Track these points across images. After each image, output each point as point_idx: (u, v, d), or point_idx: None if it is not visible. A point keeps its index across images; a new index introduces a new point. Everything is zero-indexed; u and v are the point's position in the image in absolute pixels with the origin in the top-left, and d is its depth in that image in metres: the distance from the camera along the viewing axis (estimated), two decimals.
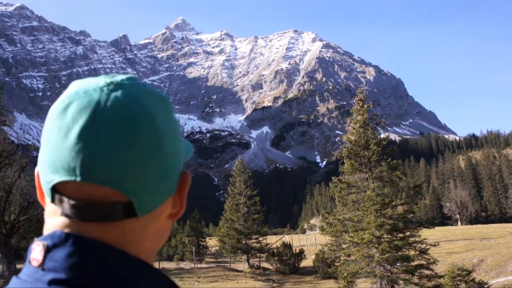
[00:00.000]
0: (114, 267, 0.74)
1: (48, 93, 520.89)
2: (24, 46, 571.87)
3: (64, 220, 0.78)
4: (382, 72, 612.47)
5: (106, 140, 0.73)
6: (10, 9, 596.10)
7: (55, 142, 0.75)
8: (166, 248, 49.61)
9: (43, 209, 0.80)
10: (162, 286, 0.81)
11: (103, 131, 0.73)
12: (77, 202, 0.76)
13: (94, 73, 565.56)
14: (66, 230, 0.76)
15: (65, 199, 0.77)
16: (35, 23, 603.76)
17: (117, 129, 0.74)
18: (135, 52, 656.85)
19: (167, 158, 0.78)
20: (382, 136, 23.76)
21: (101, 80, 0.80)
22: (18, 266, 31.36)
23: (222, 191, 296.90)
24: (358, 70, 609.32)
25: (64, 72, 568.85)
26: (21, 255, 38.87)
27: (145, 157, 0.75)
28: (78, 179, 0.74)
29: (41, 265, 0.73)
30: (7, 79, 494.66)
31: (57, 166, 0.75)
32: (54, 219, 0.79)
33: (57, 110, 0.77)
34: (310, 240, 57.39)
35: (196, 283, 28.19)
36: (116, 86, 0.79)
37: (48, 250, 0.74)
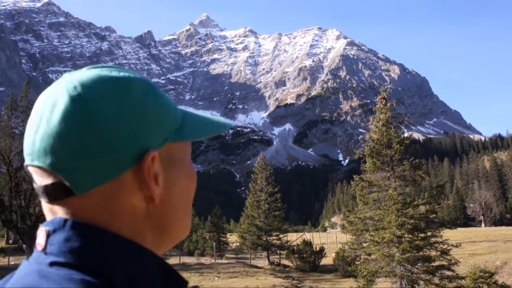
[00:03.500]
0: (107, 249, 0.77)
1: None
2: (51, 41, 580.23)
3: (42, 202, 0.84)
4: (407, 71, 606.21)
5: (37, 126, 0.79)
6: (38, 5, 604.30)
7: None
8: (187, 243, 49.84)
9: None
10: (155, 266, 0.83)
11: (37, 119, 0.79)
12: (35, 184, 0.83)
13: None
14: (48, 212, 0.83)
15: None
16: (61, 19, 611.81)
17: (45, 115, 0.78)
18: (160, 48, 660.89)
19: (97, 136, 0.77)
20: (405, 135, 23.57)
21: (65, 74, 0.85)
22: None
23: (243, 188, 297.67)
24: (382, 68, 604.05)
25: None
26: None
27: (67, 136, 0.76)
28: (25, 163, 0.82)
29: (44, 249, 0.77)
30: (34, 74, 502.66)
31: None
32: (42, 202, 0.84)
33: None
34: (331, 238, 57.28)
35: (216, 278, 28.32)
36: (66, 76, 0.84)
37: (49, 235, 0.78)
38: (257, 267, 37.53)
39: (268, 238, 41.53)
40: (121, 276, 0.76)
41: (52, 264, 0.75)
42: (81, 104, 0.78)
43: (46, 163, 0.78)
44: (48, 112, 0.78)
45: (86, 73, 0.83)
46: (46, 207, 0.83)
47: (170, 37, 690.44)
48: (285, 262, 39.98)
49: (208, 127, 0.95)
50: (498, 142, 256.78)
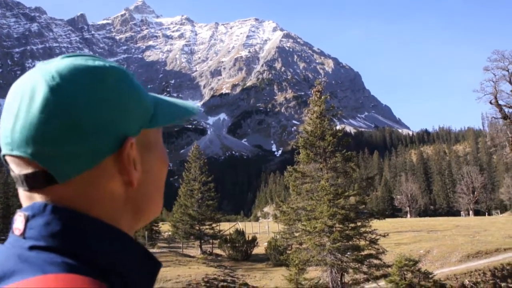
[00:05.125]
0: (87, 233, 0.78)
1: (0, 70, 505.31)
2: None
3: (20, 190, 0.84)
4: (341, 65, 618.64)
5: (14, 115, 0.79)
6: None
7: None
8: None
9: None
10: (133, 249, 0.86)
11: (15, 108, 0.79)
12: (13, 173, 0.83)
13: (49, 51, 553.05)
14: (26, 199, 0.83)
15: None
16: None
17: (23, 104, 0.79)
18: (93, 32, 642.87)
19: (75, 124, 0.78)
20: (338, 127, 24.13)
21: (39, 63, 0.86)
22: None
23: (176, 177, 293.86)
24: (317, 61, 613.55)
25: (17, 50, 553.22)
26: None
27: (46, 125, 0.77)
28: (1, 153, 0.83)
29: (23, 234, 0.78)
30: None
31: None
32: (19, 190, 0.85)
33: None
34: (263, 228, 57.68)
35: None
36: (41, 65, 0.84)
37: (28, 220, 0.78)
38: (189, 256, 37.49)
39: (201, 228, 41.46)
40: (104, 259, 0.77)
41: (31, 248, 0.75)
42: (59, 93, 0.78)
43: (28, 153, 0.78)
44: (26, 102, 0.78)
45: (62, 62, 0.83)
46: (24, 194, 0.83)
47: (104, 22, 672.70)
48: (218, 251, 40.11)
49: (179, 112, 0.97)
50: (425, 137, 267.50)
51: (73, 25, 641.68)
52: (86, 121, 0.79)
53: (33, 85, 0.79)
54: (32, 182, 0.80)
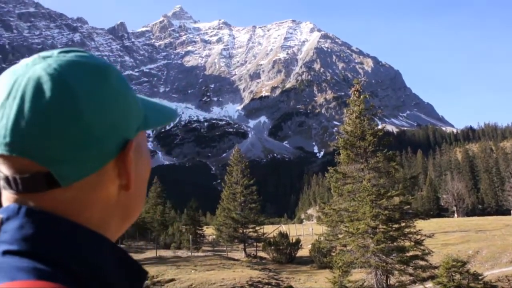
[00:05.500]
0: (64, 237, 0.75)
1: None
2: (21, 32, 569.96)
3: (5, 192, 0.80)
4: (380, 63, 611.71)
5: (16, 112, 0.73)
6: None
7: None
8: (163, 237, 49.69)
9: None
10: (114, 256, 0.81)
11: (16, 105, 0.73)
12: (4, 175, 0.77)
13: None
14: (11, 203, 0.78)
15: None
16: (31, 9, 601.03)
17: (26, 101, 0.74)
18: (133, 40, 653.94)
19: (87, 127, 0.76)
20: (379, 127, 23.78)
21: (34, 56, 0.81)
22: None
23: (219, 180, 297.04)
24: (356, 61, 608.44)
25: None
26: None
27: (57, 127, 0.74)
28: None
29: None
30: (3, 65, 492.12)
31: None
32: (3, 192, 0.80)
33: None
34: (307, 230, 57.47)
35: (192, 271, 28.31)
36: (40, 60, 0.79)
37: (2, 223, 0.75)
38: (233, 259, 37.61)
39: (244, 231, 41.60)
40: (79, 265, 0.73)
41: (4, 253, 0.71)
42: (69, 94, 0.75)
43: (31, 155, 0.74)
44: (30, 100, 0.74)
45: (64, 58, 0.80)
46: (7, 197, 0.79)
47: (144, 29, 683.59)
48: (262, 254, 40.12)
49: (164, 115, 0.96)
50: (469, 134, 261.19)
51: (113, 33, 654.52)
52: (95, 124, 0.76)
53: (36, 81, 0.75)
54: (30, 185, 0.76)
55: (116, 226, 0.87)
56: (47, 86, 0.75)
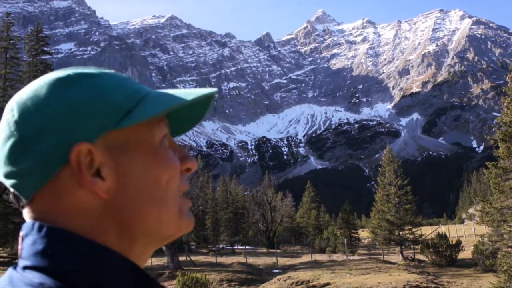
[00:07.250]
0: (69, 252, 0.74)
1: None
2: (176, 53, 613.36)
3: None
4: None
5: None
6: (162, 20, 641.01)
7: None
8: (318, 241, 50.24)
9: None
10: (123, 270, 0.78)
11: None
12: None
13: (241, 72, 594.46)
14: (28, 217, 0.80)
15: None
16: (184, 31, 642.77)
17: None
18: (279, 48, 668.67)
19: (22, 140, 0.75)
20: None
21: None
22: (180, 258, 33.78)
23: (373, 182, 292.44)
24: None
25: (213, 74, 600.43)
26: (183, 248, 41.30)
27: (3, 144, 0.77)
28: None
29: (20, 254, 0.77)
30: (163, 85, 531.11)
31: None
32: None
33: None
34: (468, 231, 54.61)
35: (347, 275, 28.14)
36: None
37: (23, 239, 0.77)
38: (390, 262, 36.83)
39: (400, 233, 40.51)
40: (84, 278, 0.72)
41: (25, 268, 0.74)
42: (12, 113, 0.77)
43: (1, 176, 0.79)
44: None
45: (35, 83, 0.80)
46: (24, 213, 0.82)
47: (288, 37, 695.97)
48: (420, 257, 38.75)
49: (167, 102, 0.82)
50: None
51: (260, 44, 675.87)
52: (29, 136, 0.75)
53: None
54: (17, 199, 0.80)
55: (119, 236, 0.80)
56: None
